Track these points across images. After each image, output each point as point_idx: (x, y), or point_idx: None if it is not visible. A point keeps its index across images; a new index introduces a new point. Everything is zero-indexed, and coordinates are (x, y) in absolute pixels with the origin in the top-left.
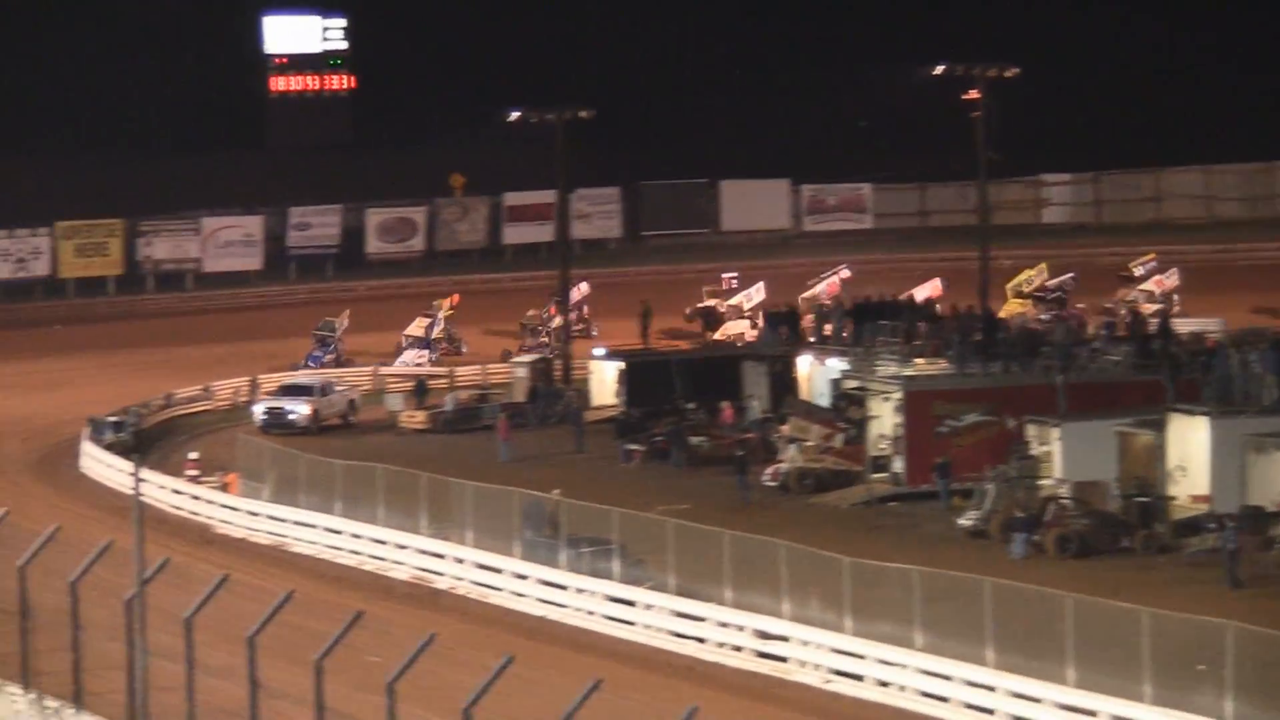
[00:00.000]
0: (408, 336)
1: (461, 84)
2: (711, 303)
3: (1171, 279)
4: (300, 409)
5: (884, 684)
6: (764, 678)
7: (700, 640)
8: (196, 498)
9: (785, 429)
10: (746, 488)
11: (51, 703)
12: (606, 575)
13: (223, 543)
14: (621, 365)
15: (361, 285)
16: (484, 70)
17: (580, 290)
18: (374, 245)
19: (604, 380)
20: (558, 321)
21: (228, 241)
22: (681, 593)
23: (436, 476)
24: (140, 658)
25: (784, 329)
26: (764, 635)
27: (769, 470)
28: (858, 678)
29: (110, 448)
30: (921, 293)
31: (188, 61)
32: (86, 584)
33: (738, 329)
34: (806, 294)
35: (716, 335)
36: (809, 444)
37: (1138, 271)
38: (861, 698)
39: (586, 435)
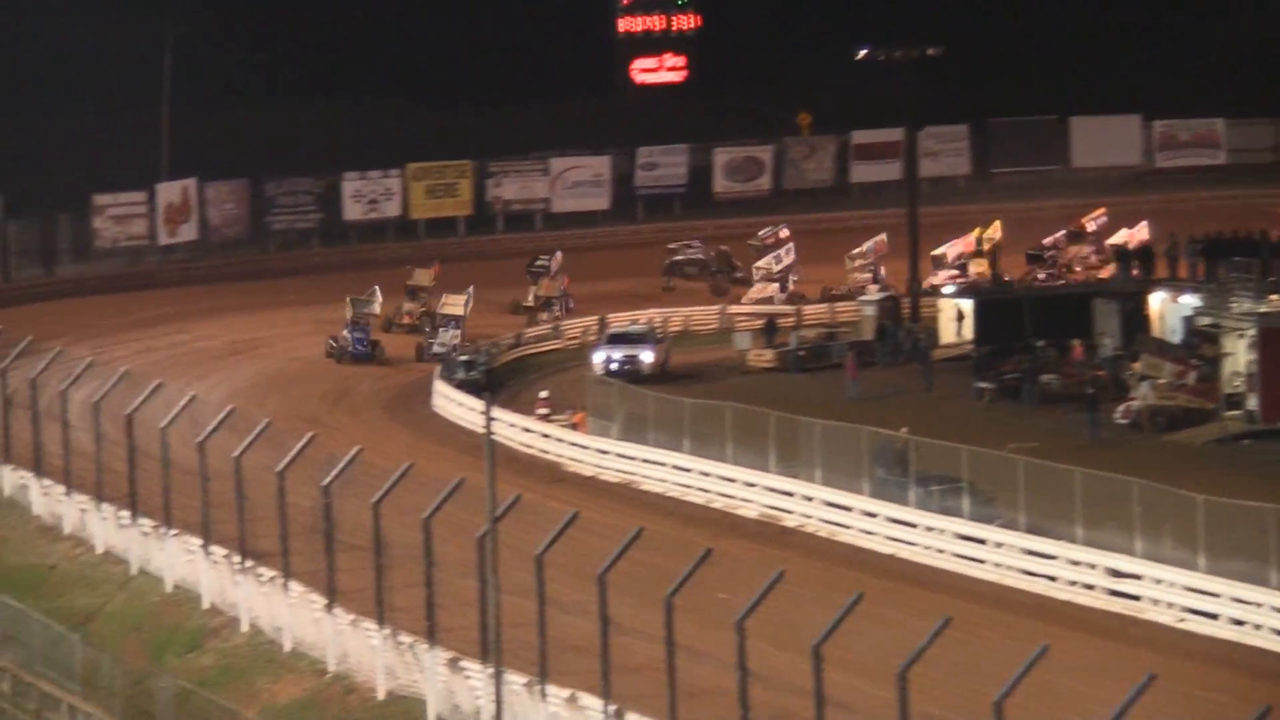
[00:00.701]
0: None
1: (808, 22)
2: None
3: None
4: (646, 356)
5: (1239, 622)
6: (1116, 616)
7: (1051, 578)
8: (546, 436)
9: (1137, 366)
10: (1097, 425)
11: (406, 638)
12: (956, 513)
13: (572, 480)
14: (971, 303)
15: (709, 224)
16: (831, 8)
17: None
18: (721, 184)
19: (952, 318)
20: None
21: (576, 182)
22: (1031, 531)
23: (785, 415)
24: (492, 594)
25: (1135, 266)
26: (1116, 574)
27: (1120, 408)
28: (1212, 616)
29: (461, 386)
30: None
31: (536, 4)
32: (439, 521)
33: (765, 292)
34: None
35: (745, 298)
36: (1161, 381)
37: None
38: (1216, 636)
39: (934, 373)
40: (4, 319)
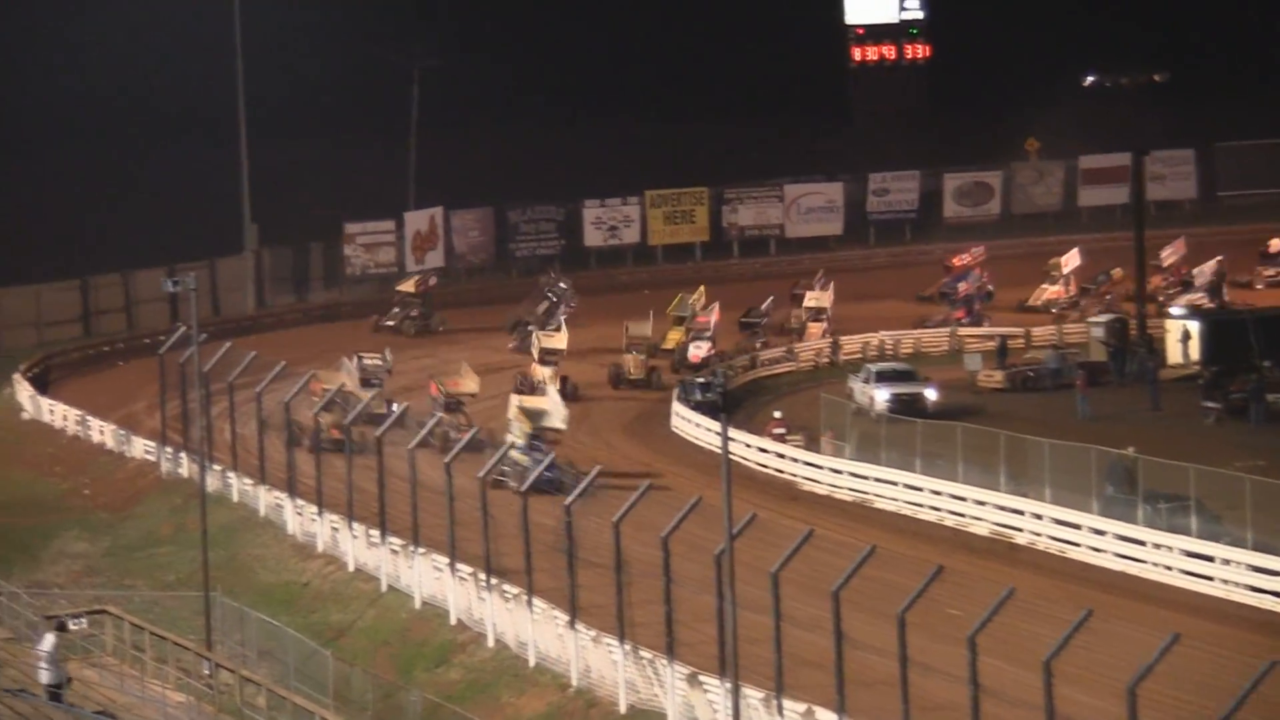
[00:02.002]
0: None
1: (1036, 49)
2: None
3: None
4: (930, 393)
5: None
6: None
7: (1278, 595)
8: (781, 455)
9: None
10: None
11: (646, 653)
12: (1184, 531)
13: (807, 499)
14: (1198, 323)
15: (938, 248)
16: (1058, 35)
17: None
18: (951, 209)
19: (1179, 339)
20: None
21: (810, 208)
22: (1259, 548)
23: (1014, 434)
24: (730, 610)
25: None
26: None
27: None
28: None
29: (698, 407)
30: None
31: (772, 32)
32: (676, 539)
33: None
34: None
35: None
36: None
37: None
38: None
39: (1162, 393)
40: (259, 344)
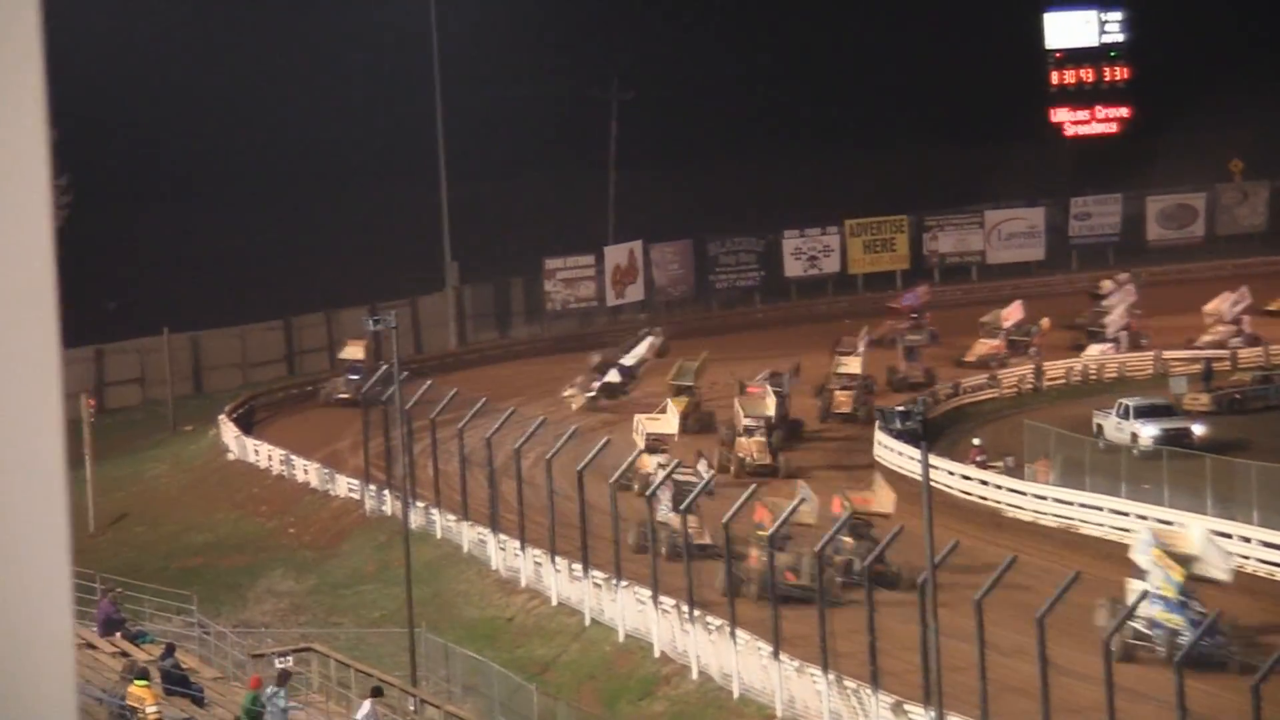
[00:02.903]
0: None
1: (1239, 68)
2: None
3: None
4: (1198, 428)
5: None
6: None
7: None
8: (985, 483)
9: None
10: None
11: (850, 683)
12: None
13: (1012, 526)
14: None
15: (1143, 271)
16: (1263, 54)
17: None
18: (1154, 232)
19: None
20: None
21: (1011, 233)
22: None
23: (1220, 457)
24: (933, 638)
25: None
26: None
27: None
28: None
29: (899, 436)
30: None
31: (971, 58)
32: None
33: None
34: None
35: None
36: None
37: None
38: None
39: None
40: (461, 380)
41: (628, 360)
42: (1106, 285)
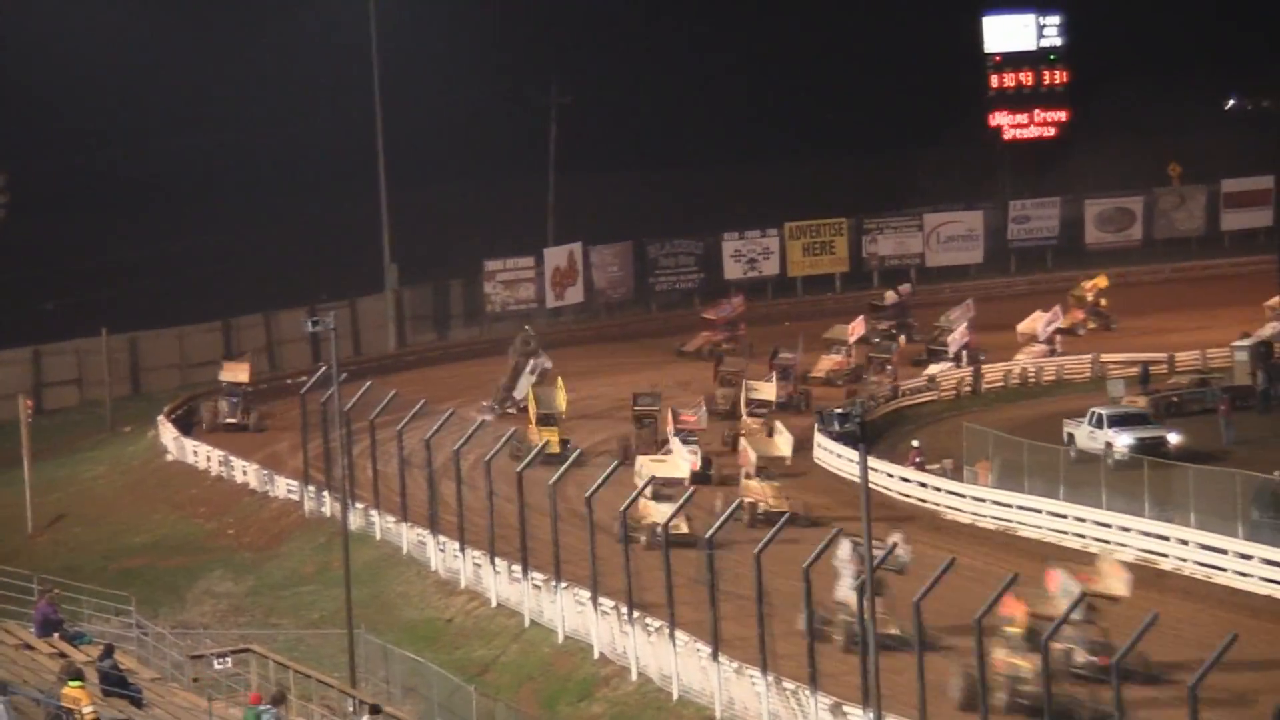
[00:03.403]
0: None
1: (1176, 73)
2: None
3: None
4: (1173, 437)
5: None
6: None
7: None
8: (924, 485)
9: None
10: None
11: (789, 684)
12: None
13: (951, 528)
14: None
15: (1080, 275)
16: (1199, 59)
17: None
18: (1092, 235)
19: None
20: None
21: (950, 236)
22: None
23: (1157, 460)
24: (872, 640)
25: None
26: None
27: None
28: None
29: (839, 438)
30: None
31: (910, 62)
32: (818, 569)
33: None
34: None
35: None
36: None
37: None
38: None
39: None
40: (400, 382)
41: (518, 394)
42: (890, 296)
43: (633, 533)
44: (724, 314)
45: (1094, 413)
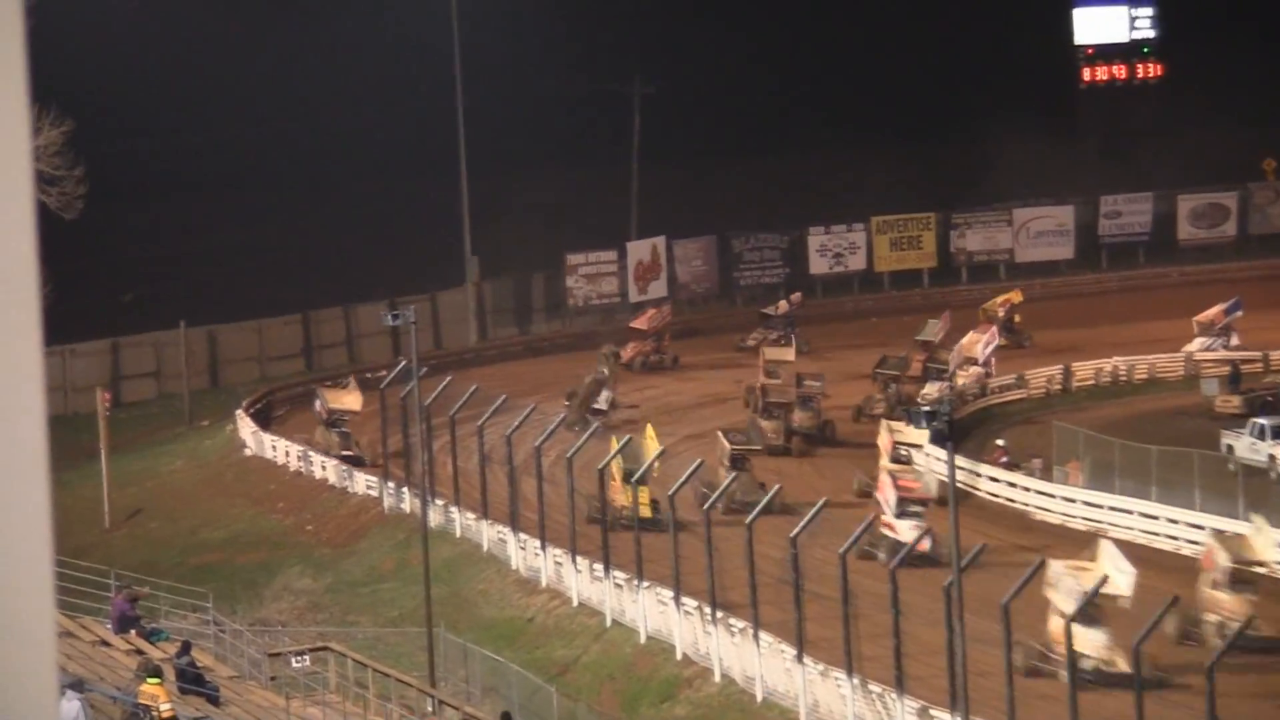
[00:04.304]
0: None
1: (1270, 65)
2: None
3: None
4: None
5: None
6: None
7: None
8: (1013, 485)
9: None
10: None
11: (875, 687)
12: None
13: (1040, 529)
14: None
15: (1174, 271)
16: None
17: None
18: (1185, 231)
19: None
20: None
21: (1039, 232)
22: None
23: (1248, 460)
24: (959, 643)
25: None
26: None
27: None
28: None
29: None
30: None
31: (1001, 55)
32: (905, 571)
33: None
34: None
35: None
36: None
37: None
38: None
39: None
40: (481, 377)
41: (600, 404)
42: (783, 306)
43: (870, 548)
44: (653, 324)
45: (1256, 423)
